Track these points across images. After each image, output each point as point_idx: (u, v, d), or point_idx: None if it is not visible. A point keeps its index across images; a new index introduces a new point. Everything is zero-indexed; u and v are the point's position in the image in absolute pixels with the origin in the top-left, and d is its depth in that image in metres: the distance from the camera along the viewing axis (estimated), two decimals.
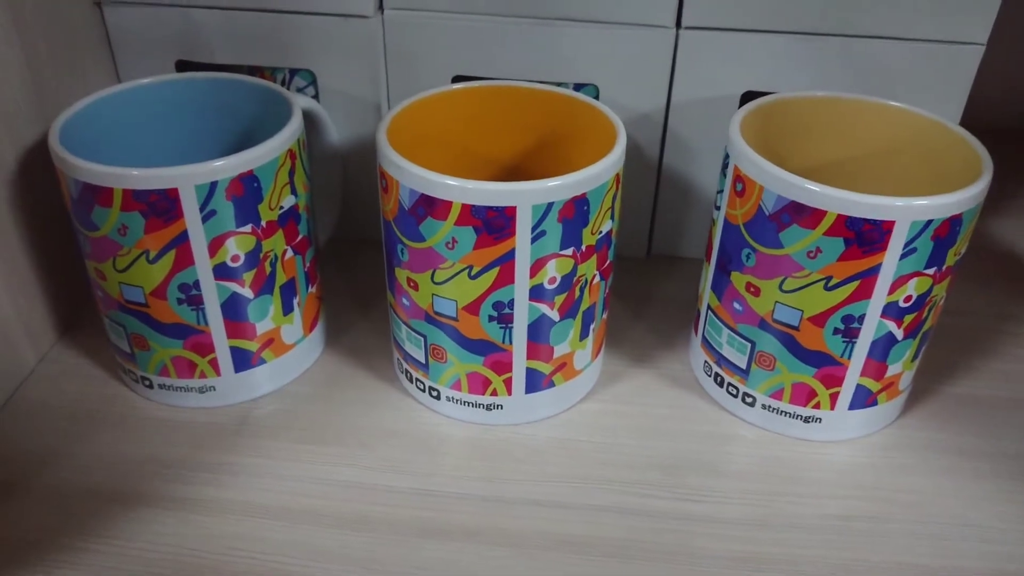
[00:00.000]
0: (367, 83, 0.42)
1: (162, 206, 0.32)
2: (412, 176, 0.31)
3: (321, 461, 0.35)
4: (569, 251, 0.33)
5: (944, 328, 0.42)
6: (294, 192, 0.35)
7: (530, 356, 0.35)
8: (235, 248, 0.34)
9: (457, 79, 0.42)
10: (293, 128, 0.34)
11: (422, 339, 0.35)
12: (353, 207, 0.46)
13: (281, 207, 0.35)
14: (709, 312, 0.37)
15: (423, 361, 0.36)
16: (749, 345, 0.35)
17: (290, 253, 0.36)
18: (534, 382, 0.36)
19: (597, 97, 0.42)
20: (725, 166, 0.35)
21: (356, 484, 0.34)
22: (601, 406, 0.38)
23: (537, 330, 0.34)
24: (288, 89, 0.44)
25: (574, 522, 0.33)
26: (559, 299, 0.34)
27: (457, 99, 0.38)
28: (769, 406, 0.36)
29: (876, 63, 0.40)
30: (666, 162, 0.44)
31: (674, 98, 0.42)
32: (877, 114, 0.37)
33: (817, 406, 0.35)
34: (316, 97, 0.43)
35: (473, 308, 0.33)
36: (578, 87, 0.42)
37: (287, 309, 0.37)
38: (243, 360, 0.36)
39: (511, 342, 0.34)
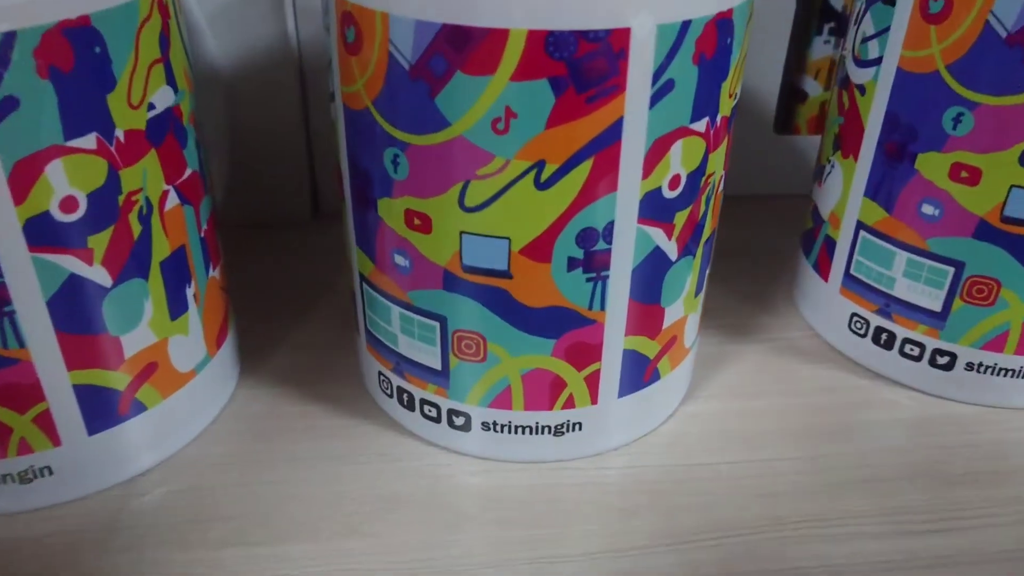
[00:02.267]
0: None
1: None
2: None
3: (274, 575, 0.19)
4: (702, 124, 0.18)
5: None
6: (171, 82, 0.19)
7: (631, 331, 0.20)
8: (67, 183, 0.17)
9: None
10: None
11: (437, 325, 0.20)
12: (249, 169, 0.30)
13: (152, 106, 0.18)
14: (864, 234, 0.24)
15: (437, 366, 0.21)
16: (951, 271, 0.22)
17: (175, 200, 0.20)
18: (633, 375, 0.21)
19: None
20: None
21: None
22: (719, 406, 0.24)
23: (646, 279, 0.20)
24: None
25: None
26: (681, 218, 0.19)
27: None
28: (980, 364, 0.23)
29: None
30: None
31: None
32: None
33: None
34: None
35: (542, 247, 0.18)
36: None
37: (177, 308, 0.20)
38: (102, 409, 0.19)
39: (603, 306, 0.19)
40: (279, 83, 0.29)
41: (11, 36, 0.15)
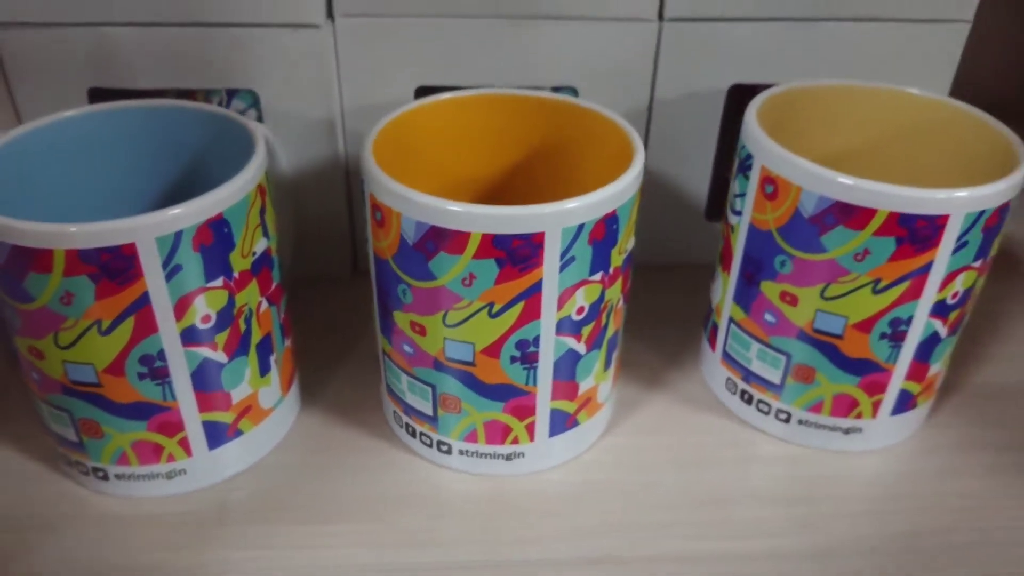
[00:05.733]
0: (318, 101, 0.37)
1: (116, 266, 0.26)
2: (419, 206, 0.27)
3: (327, 544, 0.30)
4: (598, 276, 0.29)
5: None
6: (266, 234, 0.30)
7: (555, 396, 0.31)
8: (205, 307, 0.28)
9: (421, 91, 0.38)
10: (259, 159, 0.29)
11: (430, 389, 0.31)
12: (307, 241, 0.41)
13: (254, 252, 0.29)
14: (732, 326, 0.34)
15: (430, 413, 0.32)
16: (784, 358, 0.33)
17: (265, 305, 0.31)
18: (558, 423, 0.32)
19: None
20: (745, 168, 0.32)
21: (376, 567, 0.29)
22: (624, 440, 0.35)
23: (563, 367, 0.30)
24: None
25: None
26: (586, 330, 0.30)
27: (442, 112, 0.33)
28: (806, 421, 0.34)
29: (865, 46, 0.38)
30: (650, 165, 0.41)
31: (657, 95, 0.39)
32: (889, 99, 0.35)
33: (859, 416, 0.33)
34: (259, 120, 0.38)
35: (493, 350, 0.29)
36: (555, 90, 0.39)
37: (264, 369, 0.32)
38: (218, 435, 0.31)
39: (535, 383, 0.30)
40: (331, 183, 0.40)
41: (179, 233, 0.27)
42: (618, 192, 0.28)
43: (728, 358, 0.35)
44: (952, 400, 0.37)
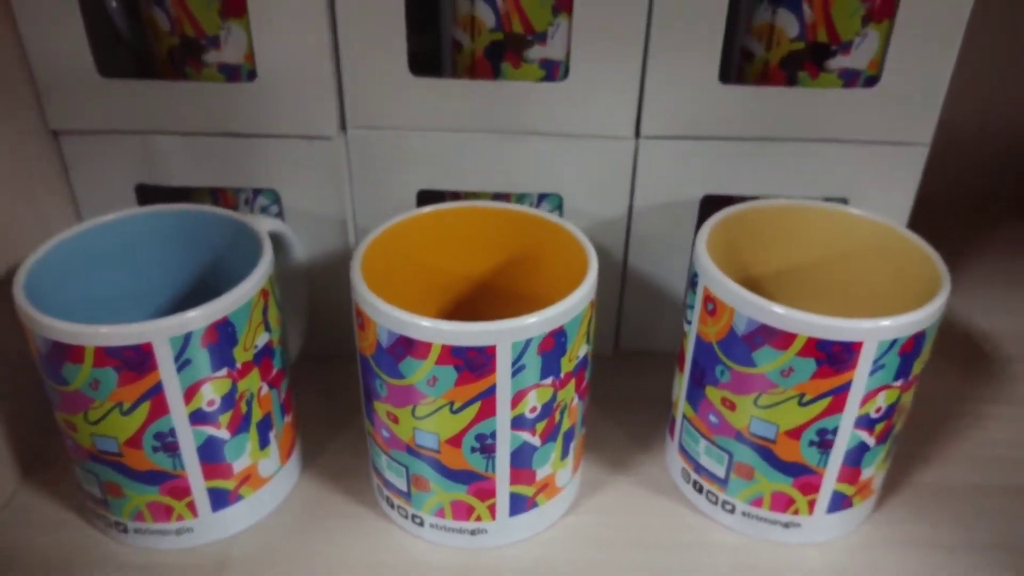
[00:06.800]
0: (332, 201, 0.42)
1: (136, 360, 0.31)
2: (390, 317, 0.31)
3: None
4: (548, 380, 0.33)
5: (909, 415, 0.43)
6: (268, 329, 0.35)
7: (513, 481, 0.35)
8: (211, 393, 0.33)
9: (423, 193, 0.42)
10: (264, 267, 0.34)
11: (404, 469, 0.35)
12: (320, 322, 0.46)
13: (256, 346, 0.34)
14: (685, 421, 0.38)
15: (405, 490, 0.36)
16: (727, 456, 0.36)
17: (265, 389, 0.35)
18: (518, 505, 0.36)
19: (561, 205, 0.43)
20: (694, 284, 0.35)
21: None
22: (585, 519, 0.38)
23: (519, 457, 0.34)
24: (252, 208, 0.43)
25: None
26: (540, 426, 0.34)
27: (427, 222, 0.38)
28: (749, 513, 0.37)
29: (828, 165, 0.41)
30: (631, 263, 0.45)
31: (636, 203, 0.43)
32: (838, 220, 0.38)
33: (796, 512, 0.36)
34: (280, 215, 0.43)
35: (455, 441, 0.33)
36: (542, 196, 0.43)
37: (263, 444, 0.36)
38: (221, 499, 0.36)
39: (494, 470, 0.34)
40: (340, 273, 0.44)
41: (190, 334, 0.31)
42: (565, 310, 0.32)
43: (683, 449, 0.38)
44: (898, 497, 0.39)
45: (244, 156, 0.41)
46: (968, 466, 0.41)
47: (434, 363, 0.31)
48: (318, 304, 0.45)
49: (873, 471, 0.36)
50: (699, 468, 0.38)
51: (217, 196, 0.44)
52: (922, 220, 0.43)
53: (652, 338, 0.47)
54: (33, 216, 0.40)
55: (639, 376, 0.46)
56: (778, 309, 0.32)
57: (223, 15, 0.38)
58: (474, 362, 0.31)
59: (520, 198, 0.44)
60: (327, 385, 0.45)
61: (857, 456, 0.34)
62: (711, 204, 0.43)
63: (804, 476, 0.35)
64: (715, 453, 0.36)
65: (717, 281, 0.33)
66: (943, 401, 0.45)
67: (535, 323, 0.31)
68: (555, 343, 0.32)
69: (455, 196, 0.44)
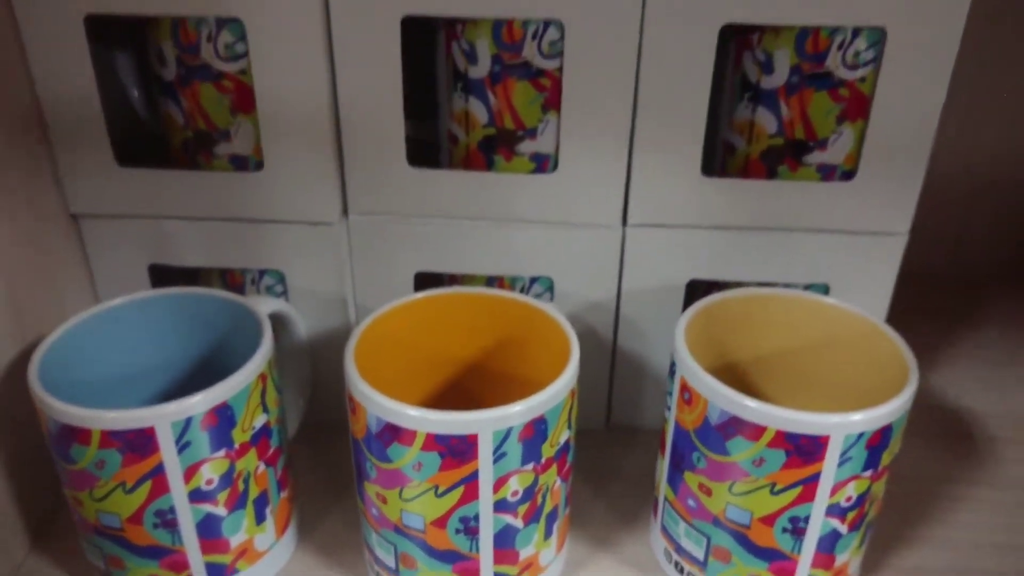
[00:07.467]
0: (334, 281, 0.44)
1: (139, 443, 0.33)
2: (378, 405, 0.33)
3: None
4: (530, 466, 0.34)
5: (888, 496, 0.44)
6: (265, 410, 0.37)
7: (497, 561, 0.36)
8: (209, 473, 0.35)
9: (420, 276, 0.44)
10: (263, 352, 0.36)
11: (392, 547, 0.37)
12: (321, 393, 0.48)
13: (253, 427, 0.36)
14: (666, 503, 0.39)
15: (394, 567, 0.37)
16: (705, 539, 0.37)
17: (262, 468, 0.37)
18: None
19: (552, 288, 0.45)
20: (672, 373, 0.37)
21: None
22: None
23: (503, 538, 0.36)
24: (258, 288, 0.46)
25: None
26: (522, 508, 0.35)
27: (419, 308, 0.40)
28: None
29: (809, 253, 0.43)
30: (620, 343, 0.46)
31: (624, 287, 0.44)
32: (813, 310, 0.40)
33: None
34: (284, 294, 0.45)
35: (440, 523, 0.35)
36: (534, 280, 0.45)
37: (260, 519, 0.38)
38: (218, 573, 0.37)
39: (478, 551, 0.36)
40: (341, 350, 0.46)
41: (190, 418, 0.33)
42: (546, 399, 0.34)
43: (664, 530, 0.40)
44: None
45: (251, 240, 0.43)
46: (950, 550, 0.42)
47: (419, 449, 0.33)
48: (320, 376, 0.47)
49: (848, 556, 0.37)
50: (680, 549, 0.39)
51: (225, 276, 0.46)
52: (911, 295, 0.44)
53: (641, 415, 0.48)
54: (52, 294, 0.42)
55: (628, 451, 0.47)
56: (749, 402, 0.33)
57: (233, 111, 0.41)
58: (456, 449, 0.33)
59: (513, 280, 0.45)
60: (328, 452, 0.47)
61: (830, 543, 0.36)
62: (697, 288, 0.44)
63: (779, 561, 0.36)
64: (694, 536, 0.38)
65: (692, 372, 0.35)
66: (926, 482, 0.45)
67: (516, 412, 0.33)
68: (535, 431, 0.34)
69: (452, 278, 0.46)
